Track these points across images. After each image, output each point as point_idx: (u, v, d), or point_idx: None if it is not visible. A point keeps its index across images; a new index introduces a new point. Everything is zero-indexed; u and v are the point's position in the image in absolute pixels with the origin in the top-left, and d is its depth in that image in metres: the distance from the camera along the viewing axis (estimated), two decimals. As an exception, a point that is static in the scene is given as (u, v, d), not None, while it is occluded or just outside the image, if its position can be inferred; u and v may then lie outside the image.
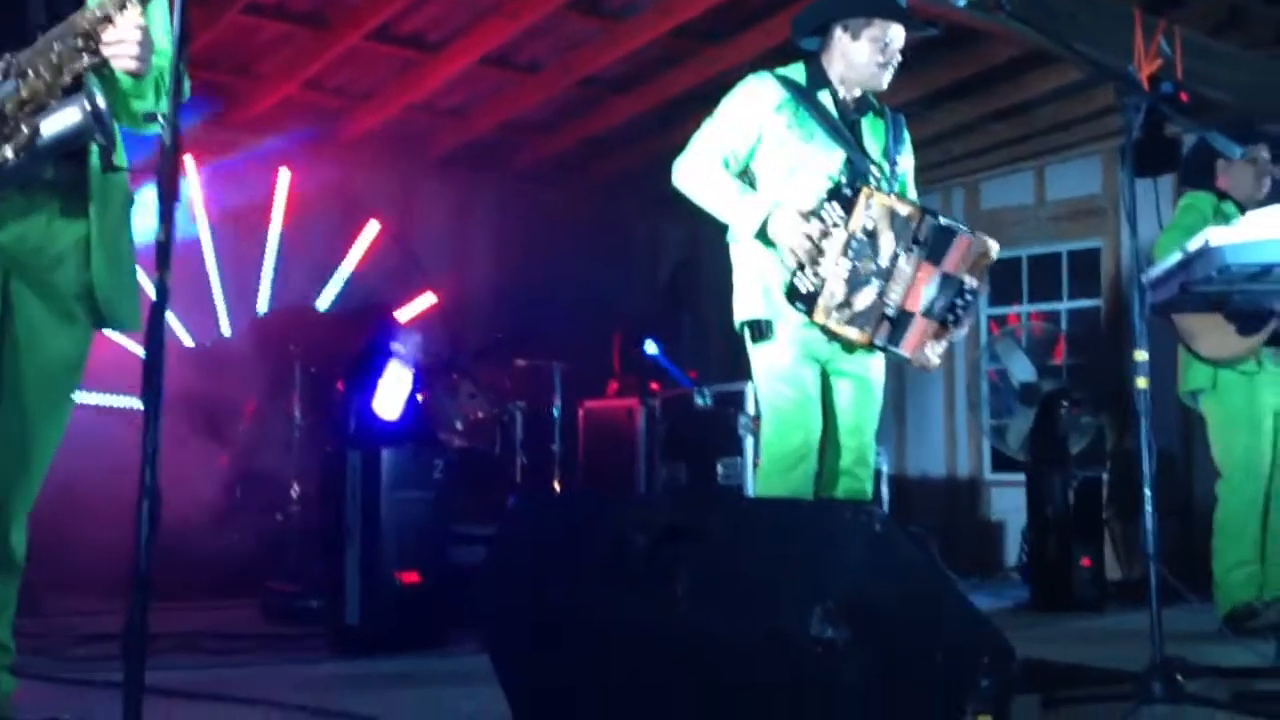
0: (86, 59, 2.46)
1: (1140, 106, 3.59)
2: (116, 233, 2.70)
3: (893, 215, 3.52)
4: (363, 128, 7.98)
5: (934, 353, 3.63)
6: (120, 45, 2.47)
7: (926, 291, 3.57)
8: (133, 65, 2.49)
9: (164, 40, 2.70)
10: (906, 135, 3.91)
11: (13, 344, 2.62)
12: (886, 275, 3.53)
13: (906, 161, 3.88)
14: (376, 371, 4.77)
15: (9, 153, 2.43)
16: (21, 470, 2.69)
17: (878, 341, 3.54)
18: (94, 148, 2.59)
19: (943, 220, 3.64)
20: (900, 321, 3.55)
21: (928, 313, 3.57)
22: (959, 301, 3.59)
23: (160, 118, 2.49)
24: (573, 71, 7.30)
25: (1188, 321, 5.05)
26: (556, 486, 6.65)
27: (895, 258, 3.53)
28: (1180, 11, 6.54)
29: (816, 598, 2.42)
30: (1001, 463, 8.65)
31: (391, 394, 4.68)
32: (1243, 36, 6.99)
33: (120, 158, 2.63)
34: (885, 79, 3.75)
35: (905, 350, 3.58)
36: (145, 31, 2.50)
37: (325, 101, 7.86)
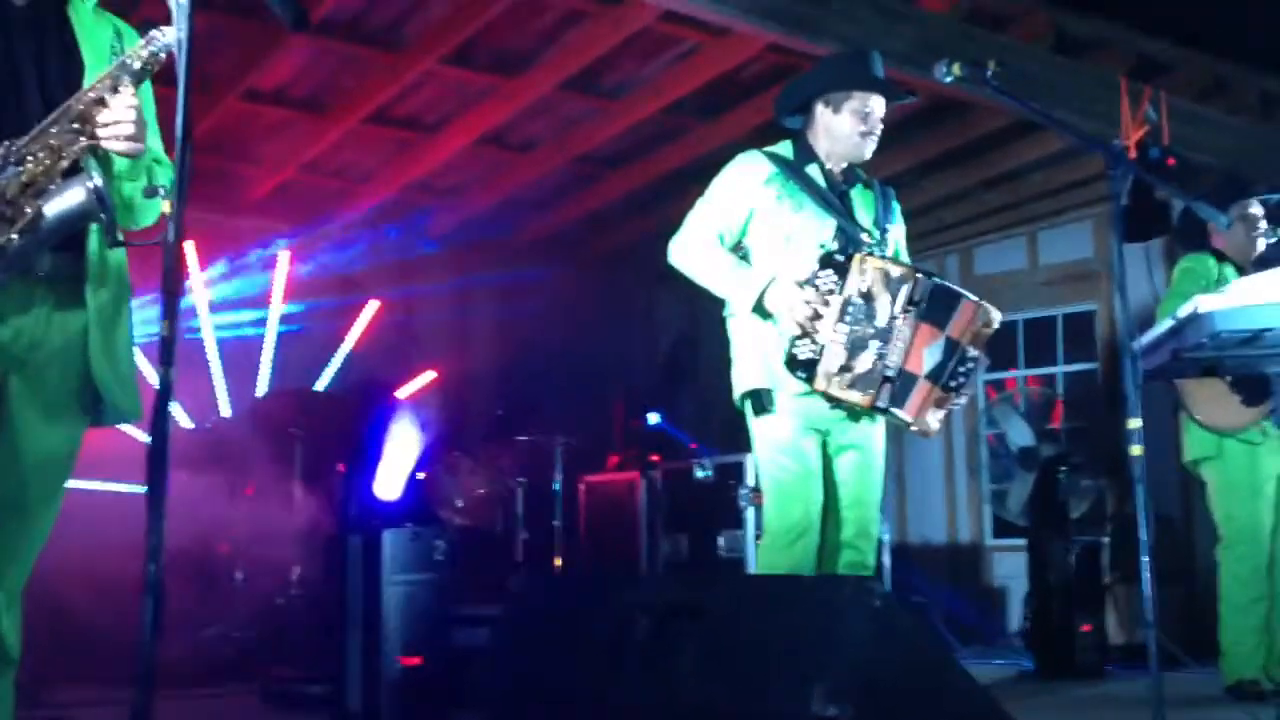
0: (83, 141, 2.49)
1: (1126, 175, 3.64)
2: (114, 324, 2.70)
3: (887, 277, 3.56)
4: (362, 208, 8.07)
5: (934, 419, 3.64)
6: (115, 126, 2.50)
7: (930, 354, 3.58)
8: (126, 146, 2.53)
9: (153, 120, 2.78)
10: (896, 206, 3.97)
11: (5, 438, 2.62)
12: (885, 337, 3.55)
13: (898, 231, 3.94)
14: (377, 452, 4.79)
15: (13, 235, 2.45)
16: (9, 562, 2.68)
17: (880, 404, 3.55)
18: (91, 238, 2.61)
19: (943, 282, 3.68)
20: (902, 383, 3.56)
21: (931, 376, 3.58)
22: (961, 369, 3.61)
23: (160, 190, 2.53)
24: (568, 149, 7.40)
25: (1190, 392, 5.07)
26: (558, 563, 6.63)
27: (893, 319, 3.55)
28: (1166, 79, 6.65)
29: (818, 675, 2.43)
30: (1003, 528, 8.63)
31: (393, 473, 4.69)
32: (1227, 103, 7.10)
33: (119, 233, 2.64)
34: (868, 149, 3.82)
35: (908, 414, 3.58)
36: (139, 112, 2.53)
37: (324, 184, 7.96)
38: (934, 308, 3.59)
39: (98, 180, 2.47)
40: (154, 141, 2.78)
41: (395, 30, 6.26)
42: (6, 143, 2.48)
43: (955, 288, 3.72)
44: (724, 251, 3.75)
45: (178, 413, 7.19)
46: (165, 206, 2.69)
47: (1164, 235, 6.54)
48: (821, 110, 3.83)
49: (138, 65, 2.54)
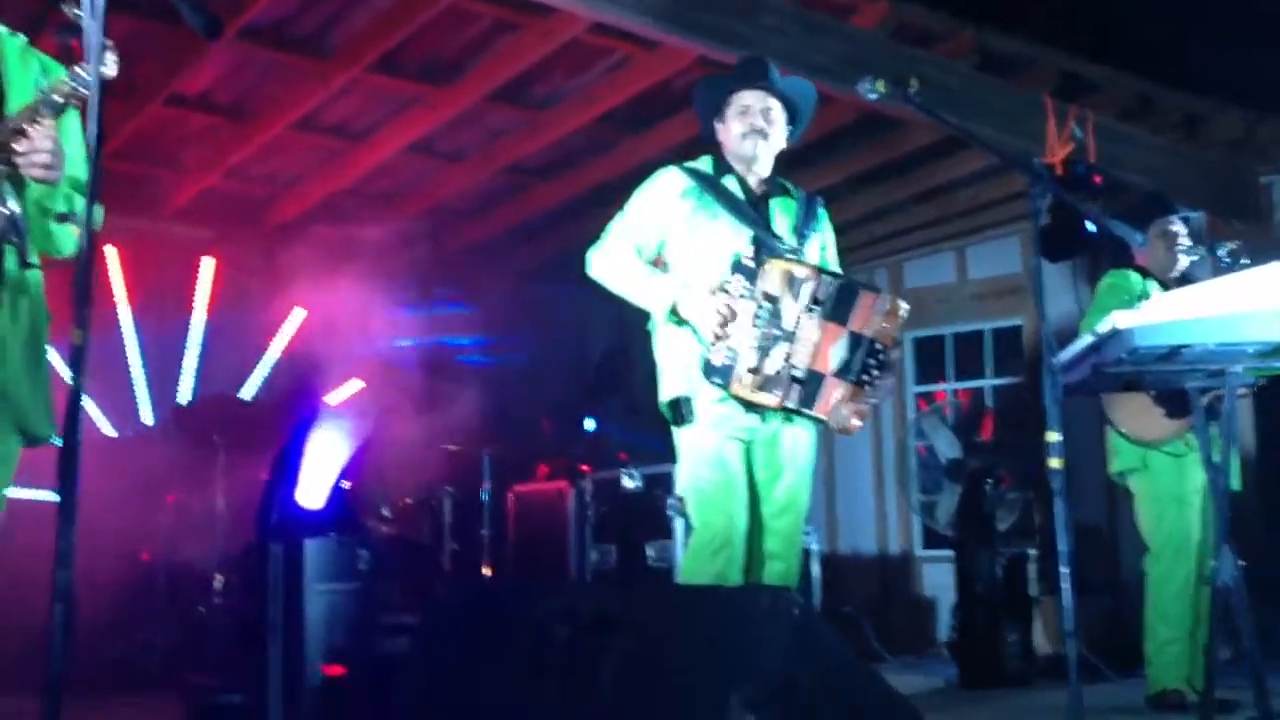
0: (1, 168, 2.53)
1: (1046, 192, 3.70)
2: (31, 345, 2.70)
3: (790, 278, 3.60)
4: (288, 215, 7.99)
5: (853, 415, 3.65)
6: (32, 155, 2.55)
7: (835, 351, 3.61)
8: (41, 174, 2.57)
9: (78, 149, 2.74)
10: (822, 213, 3.99)
11: None
12: (791, 338, 3.58)
13: (823, 238, 3.96)
14: (301, 460, 4.73)
15: None
16: None
17: (789, 404, 3.58)
18: (6, 259, 2.61)
19: (843, 278, 3.72)
20: (810, 383, 3.59)
21: (839, 373, 3.61)
22: (871, 361, 3.64)
23: (72, 217, 2.52)
24: (496, 159, 7.38)
25: (1115, 405, 5.13)
26: (487, 572, 6.59)
27: (798, 320, 3.59)
28: (1091, 97, 6.76)
29: (736, 684, 2.43)
30: (932, 539, 8.72)
31: (316, 481, 4.64)
32: (1152, 123, 7.23)
33: (34, 256, 2.64)
34: (758, 146, 3.83)
35: (820, 412, 3.61)
36: (56, 142, 2.58)
37: (250, 190, 7.88)
38: (838, 305, 3.63)
39: (12, 206, 2.53)
40: (77, 170, 2.76)
41: (322, 37, 6.21)
42: None
43: (858, 281, 3.77)
44: (639, 262, 3.80)
45: (100, 420, 7.07)
46: (75, 233, 2.68)
47: (1085, 254, 6.63)
48: (718, 126, 3.94)
49: (58, 99, 2.56)
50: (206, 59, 6.21)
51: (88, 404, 5.15)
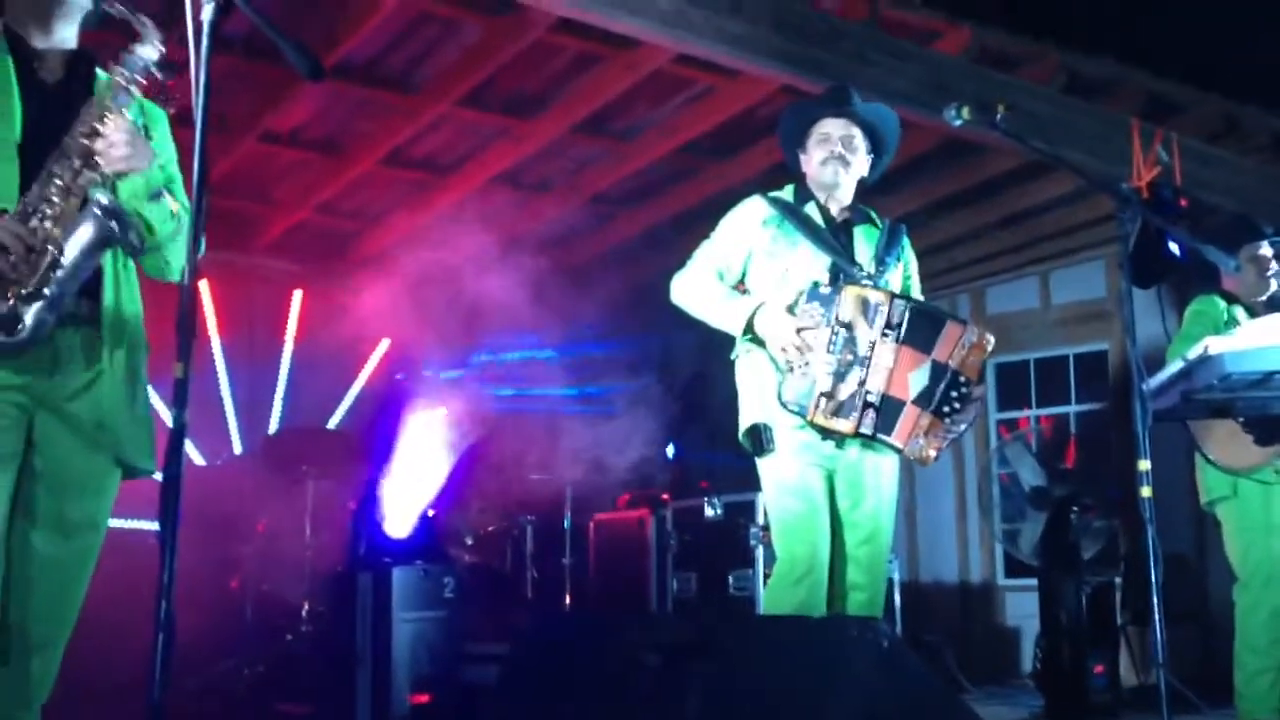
0: (87, 174, 2.55)
1: (1135, 216, 3.66)
2: (130, 375, 2.74)
3: (864, 304, 3.60)
4: (376, 248, 8.12)
5: (930, 446, 3.64)
6: (111, 150, 2.55)
7: (915, 379, 3.60)
8: (125, 165, 2.58)
9: (168, 153, 2.84)
10: (905, 242, 3.99)
11: (41, 476, 2.64)
12: (865, 363, 3.58)
13: (906, 266, 3.96)
14: (383, 488, 4.79)
15: (46, 280, 2.49)
16: (54, 600, 2.69)
17: (864, 430, 3.57)
18: (106, 290, 2.66)
19: (924, 305, 3.71)
20: (887, 409, 3.58)
21: (919, 401, 3.60)
22: (954, 393, 3.62)
23: (163, 193, 2.58)
24: (582, 190, 7.44)
25: (1204, 432, 5.04)
26: (568, 600, 6.62)
27: (873, 345, 3.59)
28: (1177, 119, 6.67)
29: (824, 716, 2.43)
30: (1015, 568, 8.59)
31: (403, 510, 4.70)
32: (1239, 144, 7.11)
33: (151, 240, 2.68)
34: (839, 173, 3.85)
35: (897, 440, 3.60)
36: (131, 130, 2.58)
37: (338, 224, 8.03)
38: (915, 331, 3.62)
39: (103, 199, 2.51)
40: (171, 167, 2.85)
41: (410, 73, 6.34)
42: (22, 199, 2.52)
43: (940, 309, 3.76)
44: (720, 285, 3.85)
45: (191, 450, 7.22)
46: (172, 208, 2.74)
47: (1172, 278, 6.52)
48: (800, 154, 3.97)
49: (121, 84, 2.60)
50: (299, 96, 6.36)
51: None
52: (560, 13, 5.07)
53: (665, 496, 6.69)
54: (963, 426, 3.70)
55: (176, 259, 2.79)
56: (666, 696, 2.62)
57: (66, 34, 2.72)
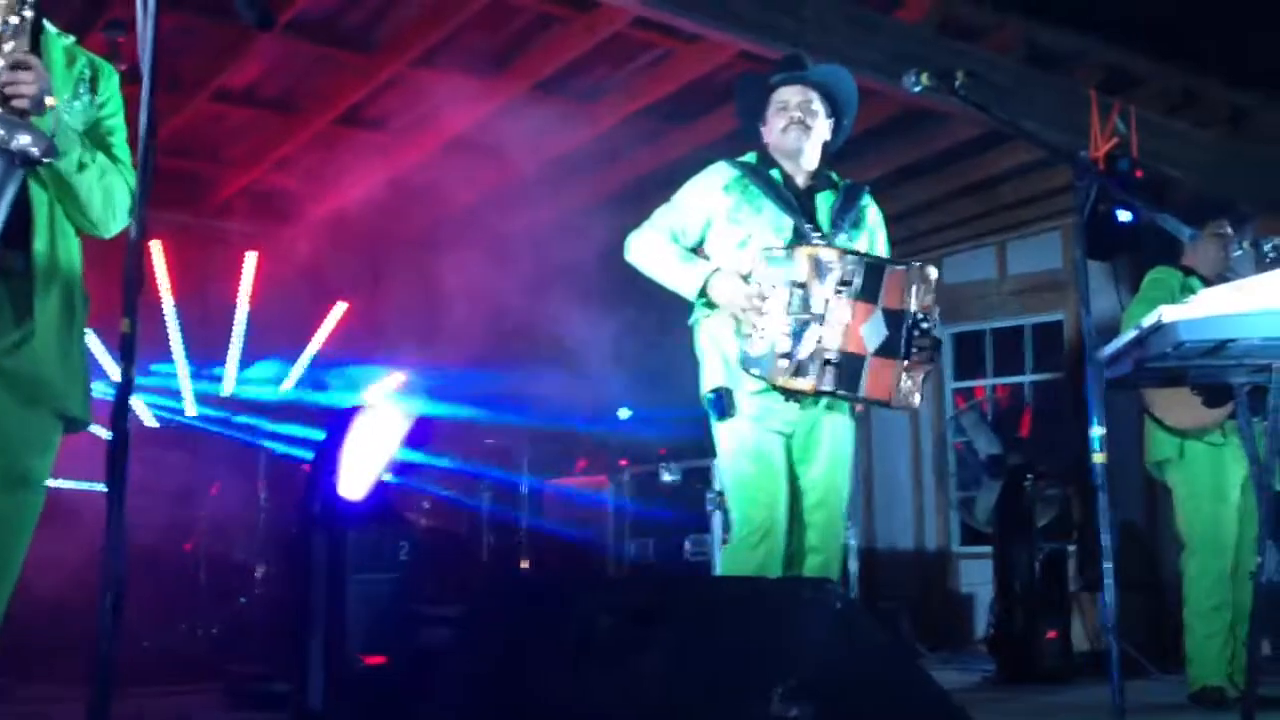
0: None
1: (1090, 188, 3.67)
2: (65, 325, 2.69)
3: (817, 263, 3.61)
4: (331, 208, 8.03)
5: (911, 393, 3.66)
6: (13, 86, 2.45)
7: (872, 331, 3.62)
8: (28, 104, 2.46)
9: (115, 111, 2.82)
10: (866, 200, 3.99)
11: None
12: (821, 320, 3.59)
13: (871, 228, 3.97)
14: (337, 451, 4.75)
15: None
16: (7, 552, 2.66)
17: (824, 387, 3.58)
18: (38, 237, 2.60)
19: (872, 257, 3.73)
20: (848, 365, 3.59)
21: (881, 352, 3.61)
22: (915, 334, 3.64)
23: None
24: (539, 153, 7.39)
25: (1154, 393, 5.09)
26: (525, 565, 6.62)
27: (826, 303, 3.59)
28: (1136, 92, 6.70)
29: (778, 677, 2.43)
30: (970, 535, 8.67)
31: (359, 474, 4.66)
32: (1197, 117, 7.15)
33: (63, 153, 2.57)
34: (801, 138, 3.85)
35: (869, 393, 3.61)
36: (36, 67, 2.48)
37: (293, 185, 7.92)
38: (868, 285, 3.63)
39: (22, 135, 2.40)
40: (113, 121, 2.82)
41: (368, 32, 6.25)
42: None
43: (883, 259, 3.77)
44: (675, 247, 3.85)
45: (142, 411, 7.14)
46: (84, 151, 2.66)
47: (1128, 252, 6.57)
48: (761, 127, 3.97)
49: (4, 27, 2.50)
50: (253, 54, 6.27)
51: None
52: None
53: (623, 461, 6.69)
54: (932, 366, 3.72)
55: (101, 219, 2.74)
56: (623, 660, 2.62)
57: None
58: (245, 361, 7.85)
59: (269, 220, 8.03)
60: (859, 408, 3.83)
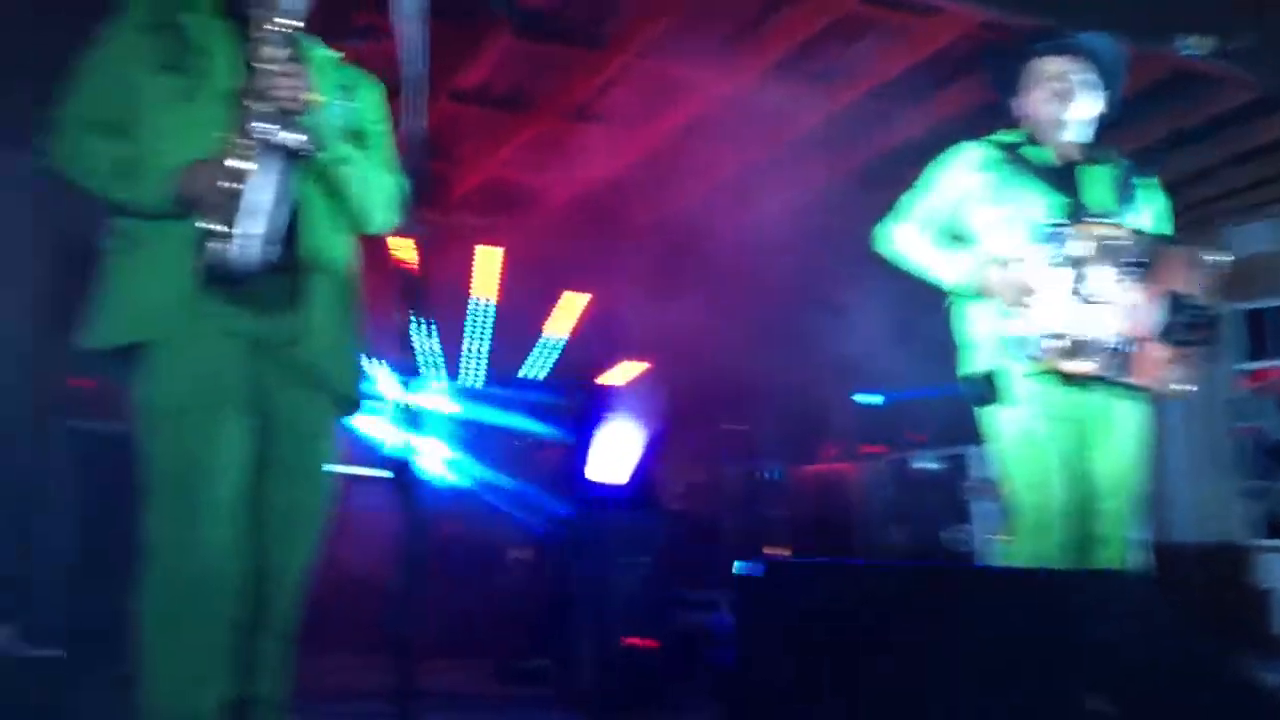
0: (265, 112, 2.62)
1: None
2: (337, 312, 2.83)
3: (1101, 243, 3.45)
4: (563, 202, 8.17)
5: (1181, 377, 3.49)
6: (274, 89, 2.64)
7: (1153, 313, 3.46)
8: (290, 98, 2.64)
9: (378, 123, 2.98)
10: (1144, 180, 3.80)
11: (270, 420, 2.75)
12: (1102, 303, 3.44)
13: (1152, 205, 3.79)
14: (589, 438, 4.84)
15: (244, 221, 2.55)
16: (292, 540, 2.81)
17: (1108, 374, 3.44)
18: (310, 232, 2.75)
19: (1155, 237, 3.56)
20: (1127, 348, 3.45)
21: (1160, 335, 3.46)
22: (1193, 319, 3.47)
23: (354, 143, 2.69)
24: (776, 136, 7.34)
25: None
26: (776, 551, 6.60)
27: (1108, 285, 3.44)
28: None
29: (1082, 671, 2.36)
30: (1271, 528, 8.12)
31: (615, 459, 4.74)
32: None
33: (324, 146, 2.73)
34: (1066, 111, 3.67)
35: (1143, 379, 3.46)
36: (300, 73, 2.67)
37: (527, 179, 8.08)
38: (1145, 265, 3.47)
39: (264, 126, 2.58)
40: (374, 126, 2.97)
41: (593, 26, 6.32)
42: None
43: (1163, 237, 3.59)
44: (930, 235, 3.73)
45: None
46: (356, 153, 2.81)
47: None
48: (1018, 99, 3.79)
49: (271, 31, 2.67)
50: (483, 54, 6.41)
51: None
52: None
53: (874, 448, 6.58)
54: (1205, 349, 3.54)
55: (366, 214, 2.90)
56: (914, 650, 2.57)
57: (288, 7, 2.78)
58: (484, 353, 8.05)
59: (504, 214, 8.21)
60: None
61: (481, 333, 8.03)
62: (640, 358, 7.93)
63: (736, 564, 3.31)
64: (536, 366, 8.20)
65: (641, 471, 4.88)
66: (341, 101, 2.90)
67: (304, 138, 2.58)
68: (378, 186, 2.91)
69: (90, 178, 2.68)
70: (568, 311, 8.32)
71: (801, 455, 7.13)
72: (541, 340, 8.28)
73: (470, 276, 8.24)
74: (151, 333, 2.64)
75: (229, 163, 2.58)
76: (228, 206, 2.55)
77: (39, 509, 5.11)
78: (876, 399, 7.10)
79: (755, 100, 6.99)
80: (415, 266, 2.60)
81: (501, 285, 8.18)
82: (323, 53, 2.94)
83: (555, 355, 8.22)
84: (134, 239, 2.68)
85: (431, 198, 2.59)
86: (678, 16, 6.02)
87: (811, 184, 8.06)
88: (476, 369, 7.95)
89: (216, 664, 2.62)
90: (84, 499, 5.04)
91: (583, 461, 4.76)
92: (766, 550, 6.59)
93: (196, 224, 2.57)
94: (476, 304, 8.18)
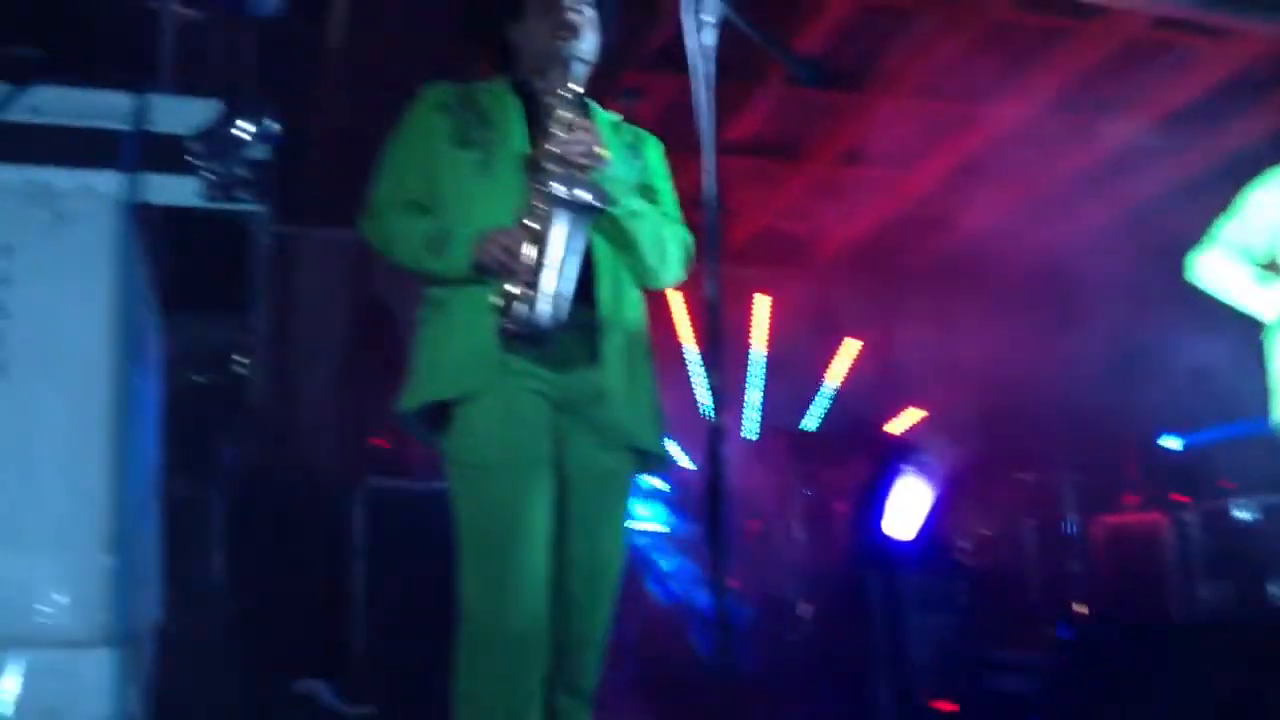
0: (559, 173, 2.62)
1: None
2: (632, 368, 2.81)
3: None
4: (837, 249, 8.12)
5: None
6: (569, 147, 2.65)
7: None
8: (583, 159, 2.65)
9: (664, 181, 2.96)
10: None
11: (569, 478, 2.79)
12: None
13: None
14: (884, 491, 4.73)
15: (535, 287, 2.59)
16: (594, 597, 2.82)
17: None
18: (602, 287, 2.75)
19: None
20: None
21: None
22: None
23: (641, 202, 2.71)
24: (1053, 171, 7.11)
25: None
26: (1078, 609, 6.26)
27: None
28: None
29: None
30: None
31: (906, 513, 4.62)
32: None
33: (617, 200, 2.72)
34: None
35: None
36: (586, 131, 2.68)
37: (798, 227, 8.07)
38: None
39: (561, 187, 2.58)
40: (660, 182, 2.96)
41: (861, 70, 6.28)
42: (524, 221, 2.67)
43: None
44: (1247, 266, 3.53)
45: (677, 453, 7.45)
46: (643, 211, 2.80)
47: None
48: None
49: (563, 94, 2.70)
50: (753, 106, 6.45)
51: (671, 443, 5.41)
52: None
53: (1181, 497, 6.19)
54: None
55: (659, 267, 2.86)
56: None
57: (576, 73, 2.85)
58: (759, 404, 8.04)
59: (778, 263, 8.22)
60: None
61: (757, 383, 8.02)
62: (921, 404, 7.75)
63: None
64: (814, 416, 8.13)
65: (930, 525, 4.72)
66: (628, 161, 2.94)
67: (598, 193, 2.63)
68: (668, 241, 2.92)
69: (403, 253, 2.80)
70: (845, 358, 8.23)
71: (1099, 505, 6.78)
72: (820, 389, 8.20)
73: (747, 327, 8.26)
74: (461, 389, 2.71)
75: (525, 225, 2.66)
76: (525, 268, 2.62)
77: (347, 567, 5.34)
78: (1178, 443, 6.68)
79: (1037, 133, 6.79)
80: (705, 319, 2.59)
81: (774, 334, 8.16)
82: (604, 115, 3.00)
83: (833, 404, 8.13)
84: (442, 305, 2.77)
85: (719, 251, 2.58)
86: (947, 56, 5.93)
87: (1099, 218, 7.75)
88: (752, 419, 7.95)
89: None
90: (386, 555, 5.23)
91: (871, 514, 4.65)
92: (1075, 608, 6.25)
93: (497, 286, 2.65)
94: (753, 354, 8.19)
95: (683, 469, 7.27)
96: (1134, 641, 2.86)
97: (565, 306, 2.61)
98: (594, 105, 2.94)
